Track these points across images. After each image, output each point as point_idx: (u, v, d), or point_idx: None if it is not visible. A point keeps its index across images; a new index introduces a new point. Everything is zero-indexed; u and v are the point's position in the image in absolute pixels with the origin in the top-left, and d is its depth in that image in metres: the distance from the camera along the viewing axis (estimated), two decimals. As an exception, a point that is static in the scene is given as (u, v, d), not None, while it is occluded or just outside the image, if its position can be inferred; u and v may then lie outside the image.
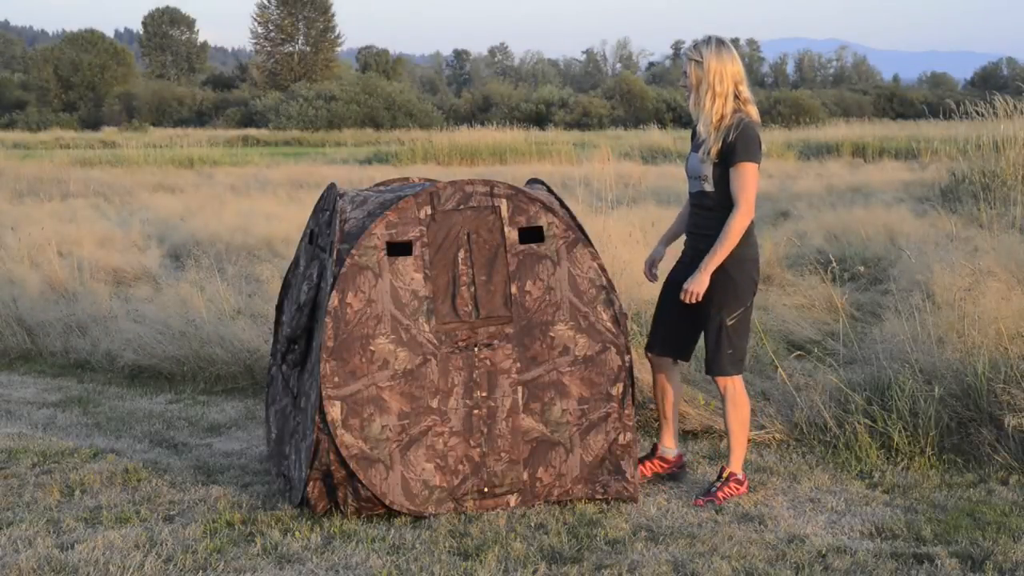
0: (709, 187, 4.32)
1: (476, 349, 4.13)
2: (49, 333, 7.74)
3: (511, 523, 4.12)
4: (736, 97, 4.28)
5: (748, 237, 4.32)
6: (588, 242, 4.28)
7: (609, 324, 4.23)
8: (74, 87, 71.55)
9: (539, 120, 56.36)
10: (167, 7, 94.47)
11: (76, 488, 4.60)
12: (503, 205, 4.19)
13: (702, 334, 4.46)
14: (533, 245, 4.21)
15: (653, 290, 6.67)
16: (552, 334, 4.18)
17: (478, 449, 4.13)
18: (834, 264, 7.07)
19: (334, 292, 4.01)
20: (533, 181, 4.62)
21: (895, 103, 64.57)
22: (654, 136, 33.49)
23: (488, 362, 4.14)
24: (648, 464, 4.66)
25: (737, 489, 4.44)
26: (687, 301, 4.26)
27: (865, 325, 7.08)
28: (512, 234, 4.18)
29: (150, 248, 11.09)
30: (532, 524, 4.11)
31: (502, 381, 4.15)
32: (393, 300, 4.07)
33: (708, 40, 4.31)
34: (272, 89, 69.72)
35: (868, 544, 3.90)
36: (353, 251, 4.04)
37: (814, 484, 4.57)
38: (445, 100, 68.95)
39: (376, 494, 4.05)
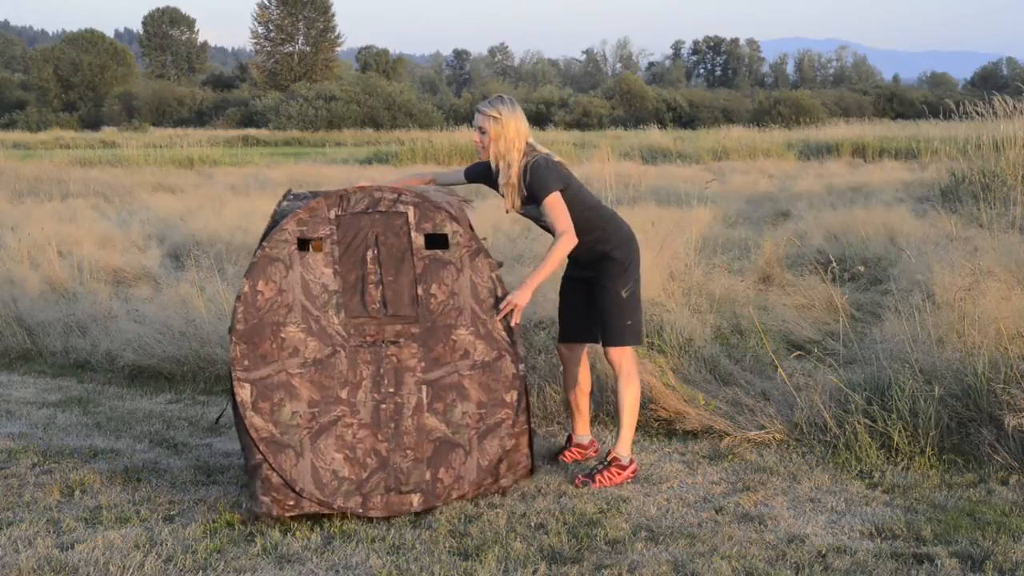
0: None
1: (384, 345, 4.25)
2: (49, 333, 7.74)
3: (511, 523, 4.12)
4: (528, 146, 4.58)
5: (610, 226, 4.67)
6: (488, 254, 4.41)
7: (504, 333, 4.34)
8: (74, 87, 71.59)
9: (539, 120, 56.40)
10: (167, 7, 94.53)
11: (76, 488, 4.60)
12: (410, 212, 4.33)
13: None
14: (438, 251, 4.34)
15: (653, 290, 6.69)
16: (454, 337, 4.29)
17: (385, 444, 4.22)
18: (834, 264, 7.07)
19: (245, 279, 4.18)
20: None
21: (895, 103, 64.64)
22: (654, 136, 33.48)
23: (395, 359, 4.25)
24: (568, 453, 4.94)
25: (619, 475, 4.60)
26: (504, 313, 4.33)
27: (865, 325, 7.08)
28: (418, 239, 4.32)
29: (150, 248, 11.10)
30: (532, 524, 4.11)
31: (408, 379, 4.25)
32: (304, 291, 4.21)
33: (501, 99, 4.62)
34: (272, 89, 69.79)
35: (868, 544, 3.90)
36: (265, 244, 4.21)
37: (814, 484, 4.57)
38: (445, 100, 69.01)
39: (287, 480, 4.10)
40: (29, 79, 72.97)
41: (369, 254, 4.27)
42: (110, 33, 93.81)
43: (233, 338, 4.14)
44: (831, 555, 3.78)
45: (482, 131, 4.57)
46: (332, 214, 4.28)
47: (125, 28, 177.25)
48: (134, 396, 6.47)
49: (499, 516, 4.17)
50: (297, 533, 4.02)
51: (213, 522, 4.14)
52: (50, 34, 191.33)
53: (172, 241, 11.60)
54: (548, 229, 4.68)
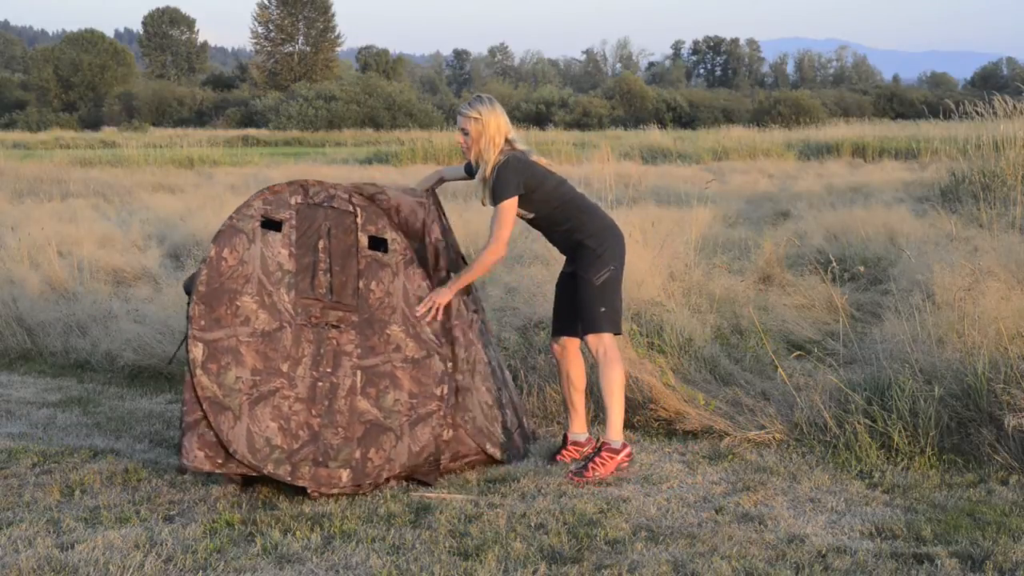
0: (530, 215, 4.78)
1: (326, 328, 4.50)
2: (49, 333, 7.74)
3: (511, 523, 4.12)
4: (507, 142, 4.69)
5: (585, 216, 4.73)
6: (420, 265, 4.63)
7: (432, 336, 4.57)
8: (74, 87, 71.60)
9: (539, 120, 56.44)
10: (167, 7, 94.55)
11: (76, 488, 4.60)
12: (358, 213, 4.59)
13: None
14: (379, 253, 4.60)
15: (653, 290, 6.69)
16: (388, 332, 4.54)
17: (318, 419, 4.42)
18: (834, 264, 7.07)
19: (212, 245, 4.47)
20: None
21: (895, 103, 64.66)
22: (654, 136, 33.49)
23: (335, 342, 4.50)
24: (565, 452, 4.94)
25: (611, 459, 4.64)
26: (425, 311, 4.54)
27: (865, 325, 7.08)
28: (363, 238, 4.59)
29: (150, 248, 11.09)
30: (532, 524, 4.11)
31: (344, 362, 4.49)
32: (262, 266, 4.49)
33: (480, 99, 4.74)
34: (272, 89, 69.82)
35: (868, 544, 3.90)
36: (233, 216, 4.51)
37: (814, 484, 4.57)
38: (445, 100, 68.98)
39: (222, 440, 4.32)
40: (29, 79, 72.99)
41: (321, 243, 4.54)
42: (110, 33, 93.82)
43: (194, 298, 4.38)
44: (831, 555, 3.78)
45: (465, 132, 4.68)
46: (293, 201, 4.55)
47: (125, 28, 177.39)
48: (134, 396, 6.47)
49: (499, 516, 4.17)
50: (297, 533, 4.02)
51: (213, 522, 4.14)
52: (50, 34, 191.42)
53: (172, 241, 11.60)
54: (538, 227, 4.83)
